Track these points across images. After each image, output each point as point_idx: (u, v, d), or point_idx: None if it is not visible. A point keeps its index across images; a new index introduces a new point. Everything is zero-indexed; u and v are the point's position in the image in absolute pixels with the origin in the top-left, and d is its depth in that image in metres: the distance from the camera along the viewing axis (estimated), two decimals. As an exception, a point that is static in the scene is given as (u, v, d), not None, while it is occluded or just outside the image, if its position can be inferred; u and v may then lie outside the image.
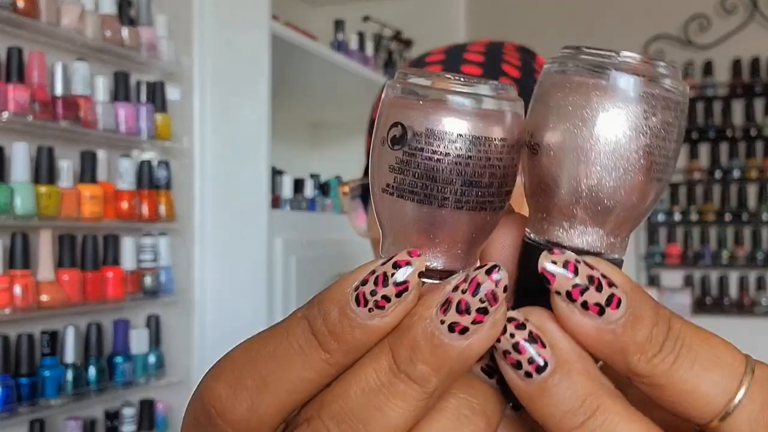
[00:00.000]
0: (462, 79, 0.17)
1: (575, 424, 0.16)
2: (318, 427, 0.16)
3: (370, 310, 0.16)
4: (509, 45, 0.55)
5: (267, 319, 1.47)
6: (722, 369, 0.16)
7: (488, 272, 0.16)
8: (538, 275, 0.16)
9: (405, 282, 0.16)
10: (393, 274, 0.16)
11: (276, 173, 1.68)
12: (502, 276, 0.16)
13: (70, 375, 1.22)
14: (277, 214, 1.57)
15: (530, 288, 0.17)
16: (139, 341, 1.37)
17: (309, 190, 1.79)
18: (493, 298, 0.16)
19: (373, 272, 0.16)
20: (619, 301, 0.16)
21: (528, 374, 0.16)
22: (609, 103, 0.16)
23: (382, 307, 0.16)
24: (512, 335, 0.16)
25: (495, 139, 0.17)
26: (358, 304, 0.16)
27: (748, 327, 2.52)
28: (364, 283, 0.16)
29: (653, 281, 2.60)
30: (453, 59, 0.52)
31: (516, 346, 0.16)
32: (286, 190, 1.71)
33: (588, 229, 0.17)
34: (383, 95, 0.17)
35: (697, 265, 2.59)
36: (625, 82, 0.16)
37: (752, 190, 2.57)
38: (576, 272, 0.16)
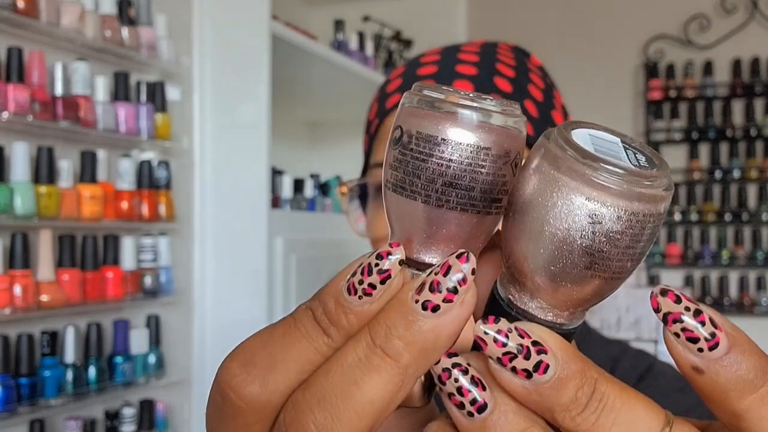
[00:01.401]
0: (465, 94, 0.18)
1: None
2: (301, 407, 0.18)
3: (359, 297, 0.18)
4: (503, 45, 0.55)
5: (267, 319, 1.47)
6: (638, 429, 0.17)
7: (458, 257, 0.18)
8: None
9: (387, 270, 0.18)
10: (377, 264, 0.18)
11: (276, 173, 1.68)
12: (470, 260, 0.18)
13: (70, 375, 1.22)
14: (276, 214, 1.57)
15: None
16: (139, 341, 1.37)
17: (309, 190, 1.79)
18: (462, 280, 0.18)
19: (360, 264, 0.18)
20: (547, 367, 0.17)
21: (470, 414, 0.17)
22: (566, 202, 0.17)
23: (370, 294, 0.18)
24: (456, 379, 0.18)
25: (477, 147, 0.18)
26: (350, 293, 0.18)
27: (748, 327, 2.50)
28: (354, 274, 0.18)
29: (653, 281, 2.60)
30: (448, 60, 0.52)
31: (459, 389, 0.18)
32: (286, 190, 1.71)
33: (535, 298, 0.19)
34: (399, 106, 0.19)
35: (697, 265, 2.59)
36: (587, 195, 0.17)
37: (752, 190, 2.58)
38: (507, 338, 0.17)
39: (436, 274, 0.18)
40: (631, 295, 0.86)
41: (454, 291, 0.17)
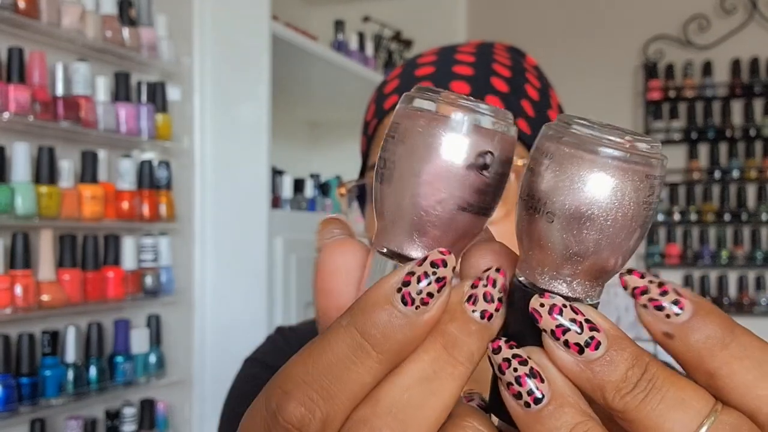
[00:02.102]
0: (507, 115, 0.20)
1: None
2: (375, 424, 0.18)
3: (417, 307, 0.18)
4: (499, 45, 0.55)
5: (267, 319, 1.48)
6: (685, 410, 0.18)
7: (497, 271, 0.20)
8: (526, 315, 0.19)
9: (444, 278, 0.19)
10: (434, 273, 0.18)
11: (276, 173, 1.68)
12: (506, 274, 0.20)
13: (70, 375, 1.23)
14: (277, 214, 1.57)
15: (517, 325, 0.20)
16: (139, 341, 1.37)
17: (309, 190, 1.79)
18: (505, 290, 0.19)
19: (413, 273, 0.18)
20: (599, 344, 0.18)
21: (527, 404, 0.18)
22: (621, 184, 0.18)
23: (427, 303, 0.18)
24: (515, 369, 0.19)
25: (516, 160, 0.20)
26: (405, 304, 0.18)
27: (748, 326, 2.51)
28: (406, 284, 0.18)
29: (652, 281, 2.60)
30: (445, 60, 0.52)
31: (518, 379, 0.19)
32: (286, 190, 1.71)
33: (577, 280, 0.19)
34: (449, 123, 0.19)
35: (696, 265, 2.60)
36: (636, 169, 0.18)
37: (751, 190, 2.58)
38: (561, 314, 0.19)
39: (485, 286, 0.19)
40: (631, 294, 0.86)
41: (501, 300, 0.19)
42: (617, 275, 0.20)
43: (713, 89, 2.58)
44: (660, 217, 2.62)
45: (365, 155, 0.55)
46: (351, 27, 2.11)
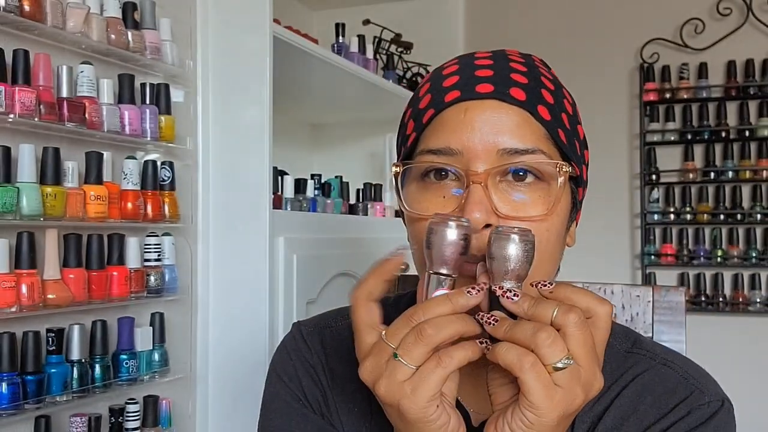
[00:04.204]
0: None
1: (524, 309, 0.50)
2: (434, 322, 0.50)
3: (471, 295, 0.51)
4: (536, 58, 0.63)
5: (269, 316, 1.50)
6: (546, 307, 0.49)
7: (484, 284, 0.53)
8: (495, 296, 0.51)
9: (480, 291, 0.52)
10: (472, 291, 0.51)
11: (278, 173, 1.70)
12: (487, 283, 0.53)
13: (75, 372, 1.24)
14: (278, 213, 1.59)
15: (493, 303, 0.51)
16: (143, 339, 1.39)
17: (310, 190, 1.81)
18: (485, 289, 0.53)
19: (475, 287, 0.51)
20: (518, 296, 0.50)
21: (492, 324, 0.50)
22: (515, 246, 0.50)
23: (471, 295, 0.51)
24: (510, 290, 0.50)
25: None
26: (460, 299, 0.51)
27: (742, 325, 2.55)
28: (468, 291, 0.51)
29: (648, 279, 2.63)
30: (501, 66, 0.58)
31: (489, 318, 0.50)
32: (288, 190, 1.73)
33: (506, 281, 0.51)
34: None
35: (692, 264, 2.62)
36: (516, 239, 0.50)
37: (746, 191, 2.61)
38: (505, 291, 0.50)
39: (477, 288, 0.53)
40: (627, 293, 0.89)
41: (480, 290, 0.52)
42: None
43: (708, 91, 2.61)
44: (655, 217, 2.65)
45: (416, 140, 0.60)
46: (351, 30, 2.13)
